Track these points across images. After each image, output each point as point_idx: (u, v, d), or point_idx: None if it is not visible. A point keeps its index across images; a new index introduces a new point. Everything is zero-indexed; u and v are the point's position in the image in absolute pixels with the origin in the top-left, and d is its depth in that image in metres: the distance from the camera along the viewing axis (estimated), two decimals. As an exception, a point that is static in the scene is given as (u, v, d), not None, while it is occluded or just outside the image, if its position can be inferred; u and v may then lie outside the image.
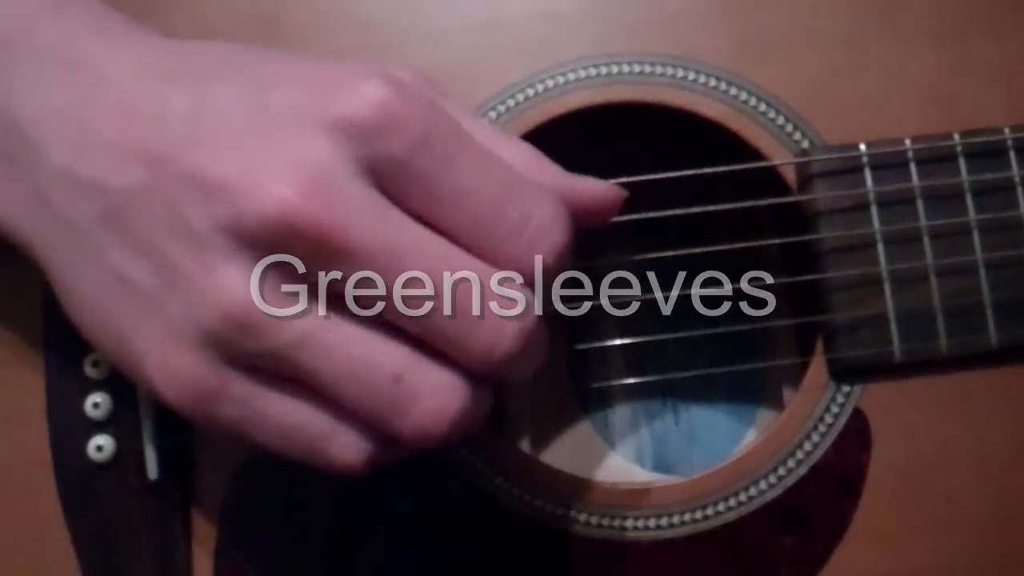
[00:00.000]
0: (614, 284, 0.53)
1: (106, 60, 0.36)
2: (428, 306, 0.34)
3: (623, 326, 0.55)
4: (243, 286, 0.33)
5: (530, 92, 0.47)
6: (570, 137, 0.48)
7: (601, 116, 0.48)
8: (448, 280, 0.34)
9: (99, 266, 0.35)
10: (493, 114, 0.47)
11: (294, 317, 0.33)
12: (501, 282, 0.34)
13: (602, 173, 0.44)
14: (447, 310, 0.34)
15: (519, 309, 0.34)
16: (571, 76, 0.47)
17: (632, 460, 0.54)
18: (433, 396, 0.34)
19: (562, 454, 0.54)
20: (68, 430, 0.45)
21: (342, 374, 0.34)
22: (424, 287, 0.33)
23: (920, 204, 0.46)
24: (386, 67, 0.36)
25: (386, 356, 0.34)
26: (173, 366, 0.34)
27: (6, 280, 0.45)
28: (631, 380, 0.55)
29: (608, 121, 0.48)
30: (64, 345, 0.45)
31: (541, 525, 0.45)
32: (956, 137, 0.46)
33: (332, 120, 0.33)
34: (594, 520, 0.46)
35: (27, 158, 0.36)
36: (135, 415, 0.45)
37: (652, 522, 0.45)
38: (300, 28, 0.47)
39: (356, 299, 0.34)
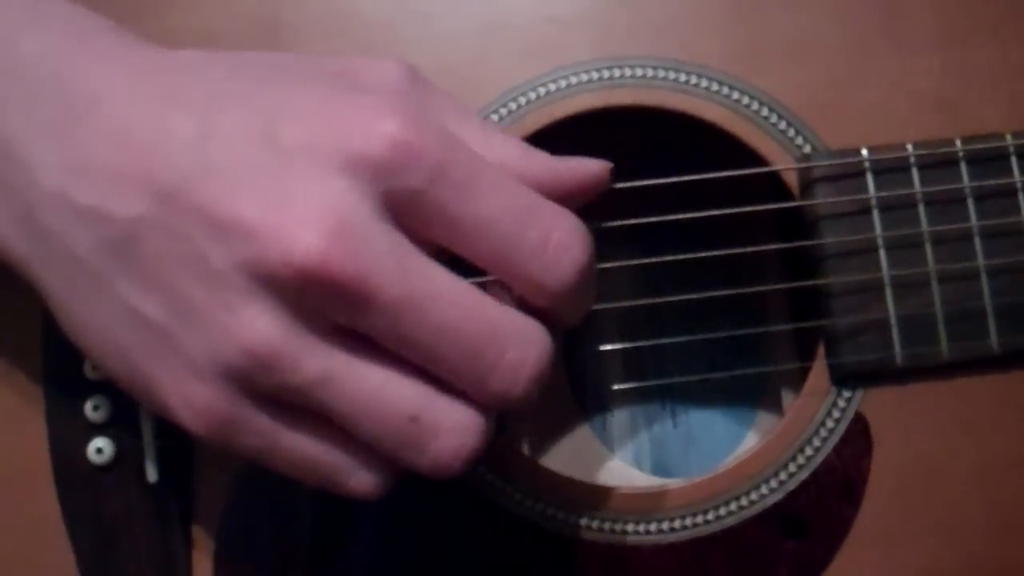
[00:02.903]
0: (613, 288, 0.54)
1: (95, 73, 0.36)
2: (446, 349, 0.34)
3: (622, 330, 0.55)
4: (264, 325, 0.33)
5: (532, 96, 0.47)
6: (571, 141, 0.47)
7: (603, 120, 0.47)
8: (467, 325, 0.34)
9: (104, 295, 0.35)
10: (495, 117, 0.47)
11: (314, 356, 0.33)
12: (518, 320, 0.35)
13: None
14: (464, 356, 0.34)
15: (535, 352, 0.35)
16: (573, 80, 0.47)
17: (631, 463, 0.54)
18: (450, 435, 0.35)
19: (561, 458, 0.54)
20: (68, 432, 0.45)
21: (361, 412, 0.34)
22: (443, 332, 0.34)
23: (922, 209, 0.46)
24: (364, 69, 0.36)
25: (404, 395, 0.34)
26: (192, 398, 0.34)
27: (6, 282, 0.45)
28: (630, 385, 0.55)
29: (610, 125, 0.48)
30: (64, 347, 0.44)
31: (541, 529, 0.45)
32: (958, 143, 0.46)
33: (349, 158, 0.33)
34: (595, 524, 0.45)
35: (17, 178, 0.35)
36: (135, 418, 0.45)
37: (653, 526, 0.45)
38: (301, 30, 0.47)
39: (375, 339, 0.34)
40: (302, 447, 0.35)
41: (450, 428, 0.35)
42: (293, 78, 0.36)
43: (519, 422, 0.54)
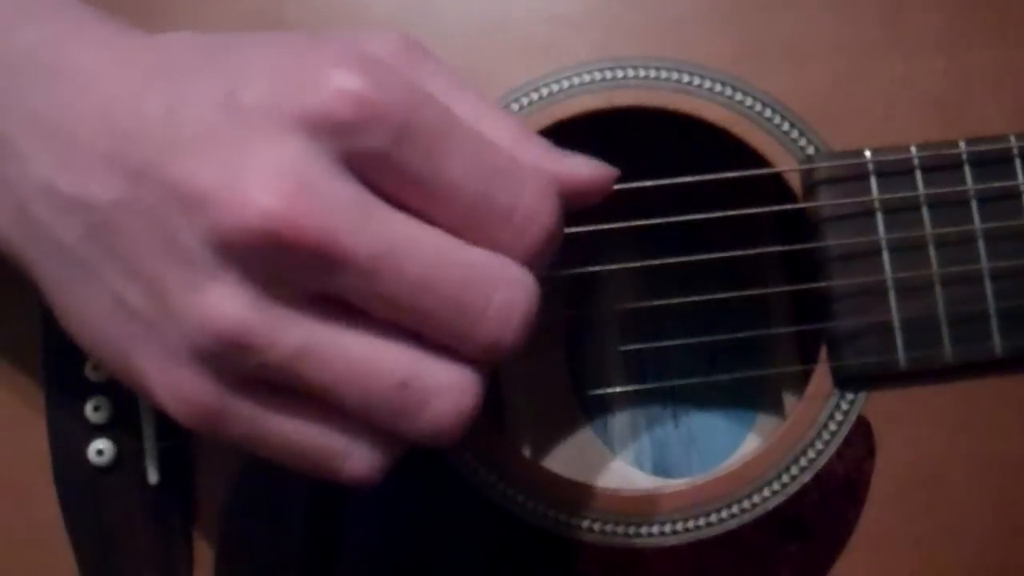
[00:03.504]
0: (616, 289, 0.54)
1: (85, 62, 0.35)
2: (429, 303, 0.32)
3: (624, 331, 0.55)
4: (232, 303, 0.32)
5: (534, 96, 0.47)
6: (573, 142, 0.47)
7: (605, 121, 0.47)
8: (448, 273, 0.33)
9: (93, 285, 0.34)
10: (497, 118, 0.47)
11: (289, 330, 0.32)
12: (501, 265, 0.33)
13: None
14: (449, 307, 0.33)
15: (522, 297, 0.33)
16: (575, 80, 0.47)
17: (632, 464, 0.54)
18: (443, 398, 0.33)
19: (562, 459, 0.54)
20: (68, 434, 0.45)
21: (346, 383, 0.33)
22: (424, 284, 0.32)
23: (925, 212, 0.46)
24: (362, 39, 0.35)
25: (389, 360, 0.33)
26: (176, 386, 0.33)
27: (6, 281, 0.45)
28: (631, 387, 0.55)
29: (612, 126, 0.48)
30: (64, 348, 0.44)
31: (542, 531, 0.45)
32: (962, 145, 0.46)
33: (304, 116, 0.32)
34: (596, 526, 0.45)
35: (10, 171, 0.35)
36: (135, 419, 0.45)
37: (655, 528, 0.45)
38: (304, 26, 0.47)
39: (352, 302, 0.33)
40: (291, 430, 0.34)
41: (443, 390, 0.33)
42: (266, 43, 0.35)
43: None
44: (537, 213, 0.34)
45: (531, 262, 0.34)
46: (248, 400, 0.34)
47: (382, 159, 0.32)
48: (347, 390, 0.33)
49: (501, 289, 0.33)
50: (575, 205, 0.37)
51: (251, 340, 0.32)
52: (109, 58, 0.35)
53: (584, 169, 0.37)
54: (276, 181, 0.31)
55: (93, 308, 0.35)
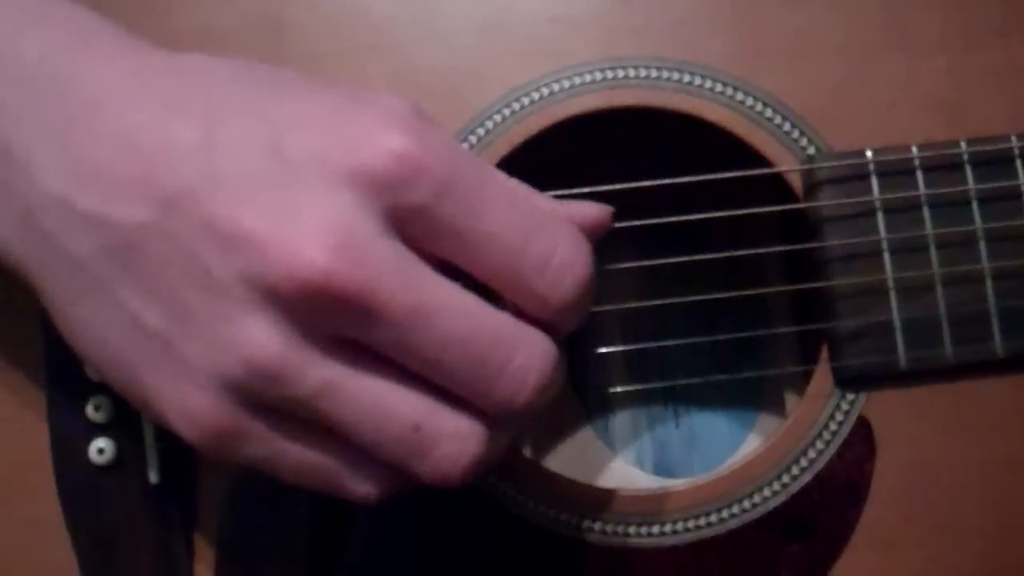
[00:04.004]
0: (617, 289, 0.53)
1: (97, 76, 0.35)
2: (453, 359, 0.34)
3: (624, 331, 0.55)
4: (266, 337, 0.33)
5: (535, 96, 0.47)
6: (575, 141, 0.48)
7: (606, 120, 0.47)
8: (473, 336, 0.34)
9: (104, 301, 0.35)
10: (498, 117, 0.47)
11: (316, 367, 0.33)
12: (523, 330, 0.35)
13: (606, 178, 0.45)
14: (471, 365, 0.34)
15: (540, 362, 0.35)
16: (576, 80, 0.47)
17: (633, 464, 0.54)
18: (452, 443, 0.35)
19: (563, 459, 0.54)
20: (69, 433, 0.45)
21: (363, 422, 0.34)
22: (451, 342, 0.34)
23: (926, 212, 0.46)
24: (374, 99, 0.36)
25: (407, 404, 0.34)
26: (191, 408, 0.34)
27: (6, 281, 0.45)
28: (633, 386, 0.55)
29: (613, 126, 0.48)
30: (65, 347, 0.44)
31: (543, 530, 0.45)
32: (963, 145, 0.46)
33: (355, 172, 0.33)
34: (597, 526, 0.45)
35: (17, 181, 0.35)
36: (137, 419, 0.45)
37: (656, 528, 0.45)
38: (304, 30, 0.47)
39: (379, 351, 0.34)
40: (301, 455, 0.35)
41: (452, 435, 0.35)
42: (296, 87, 0.36)
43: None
44: (572, 263, 0.36)
45: (567, 311, 0.36)
46: (260, 424, 0.35)
47: (424, 213, 0.34)
48: (362, 428, 0.34)
49: (522, 352, 0.35)
50: None
51: (281, 374, 0.33)
52: (124, 73, 0.35)
53: (591, 211, 0.39)
54: (326, 236, 0.32)
55: (100, 324, 0.35)
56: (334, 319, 0.33)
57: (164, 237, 0.33)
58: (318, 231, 0.32)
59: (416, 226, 0.34)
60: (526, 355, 0.35)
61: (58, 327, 0.37)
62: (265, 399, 0.34)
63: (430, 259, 0.35)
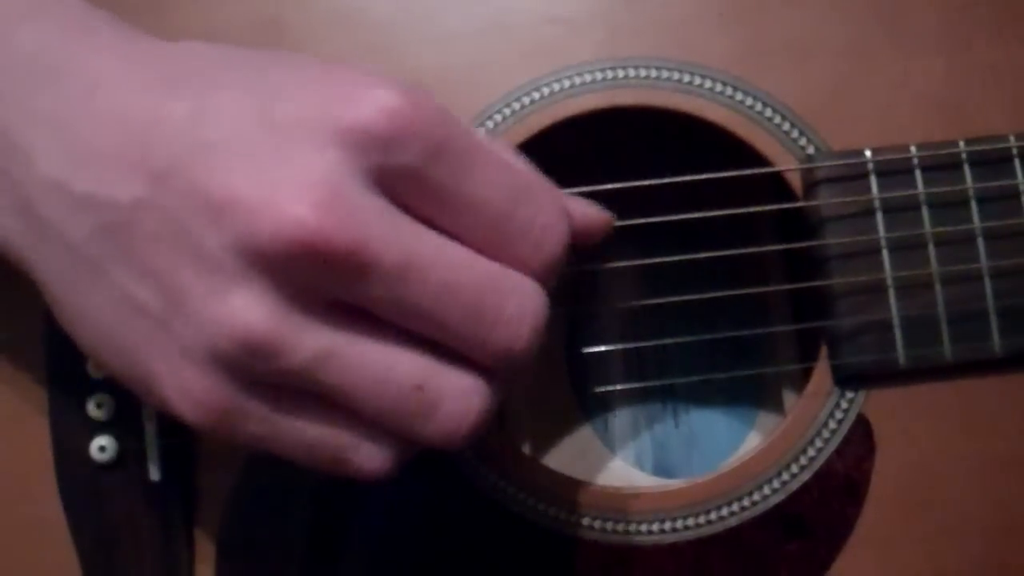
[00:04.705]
0: (617, 288, 0.54)
1: (93, 63, 0.35)
2: (448, 311, 0.34)
3: (624, 330, 0.55)
4: (257, 310, 0.32)
5: (535, 96, 0.47)
6: (575, 141, 0.48)
7: (606, 120, 0.48)
8: (467, 284, 0.34)
9: (100, 284, 0.35)
10: (499, 117, 0.47)
11: (309, 335, 0.33)
12: (514, 278, 0.35)
13: (607, 177, 0.45)
14: (467, 315, 0.34)
15: (533, 305, 0.35)
16: (576, 80, 0.47)
17: (632, 464, 0.54)
18: (456, 400, 0.34)
19: (563, 458, 0.54)
20: (71, 430, 0.45)
21: (363, 388, 0.34)
22: (445, 293, 0.33)
23: (925, 211, 0.46)
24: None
25: (406, 365, 0.34)
26: (189, 387, 0.34)
27: (8, 279, 0.45)
28: (632, 385, 0.55)
29: (613, 125, 0.48)
30: (67, 345, 0.44)
31: (542, 529, 0.45)
32: (961, 144, 0.46)
33: (343, 130, 0.33)
34: (597, 524, 0.45)
35: (15, 168, 0.35)
36: (138, 416, 0.45)
37: (655, 526, 0.45)
38: (303, 30, 0.47)
39: (372, 311, 0.34)
40: (304, 429, 0.35)
41: (456, 393, 0.34)
42: (287, 62, 0.36)
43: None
44: (553, 228, 0.36)
45: (546, 274, 0.36)
46: (260, 400, 0.34)
47: (413, 175, 0.33)
48: (363, 393, 0.34)
49: (514, 298, 0.34)
50: (580, 243, 0.39)
51: (273, 347, 0.33)
52: (120, 60, 0.35)
53: (592, 211, 0.40)
54: (311, 192, 0.32)
55: (98, 307, 0.35)
56: (324, 280, 0.32)
57: (156, 212, 0.33)
58: (304, 189, 0.32)
59: (403, 186, 0.34)
60: (519, 300, 0.34)
61: (58, 318, 0.37)
62: (262, 374, 0.33)
63: (416, 219, 0.34)
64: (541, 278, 0.36)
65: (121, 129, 0.34)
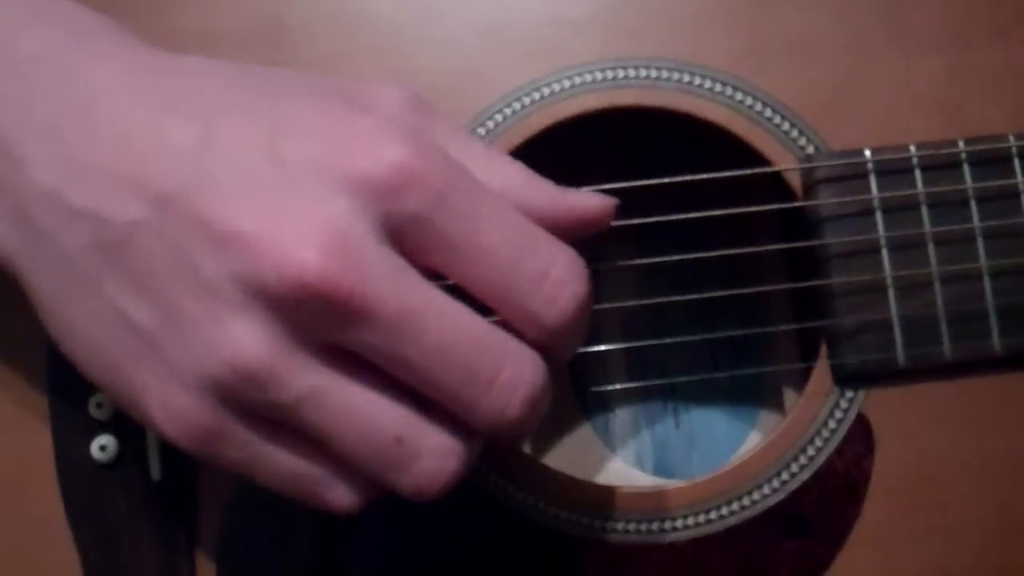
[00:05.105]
0: (617, 287, 0.54)
1: (94, 72, 0.35)
2: (441, 369, 0.33)
3: (624, 329, 0.55)
4: (253, 340, 0.32)
5: (536, 96, 0.47)
6: (575, 141, 0.48)
7: (606, 120, 0.48)
8: (463, 346, 0.33)
9: (92, 296, 0.34)
10: (499, 117, 0.47)
11: (302, 373, 0.33)
12: (514, 345, 0.34)
13: (607, 177, 0.45)
14: (459, 376, 0.33)
15: (530, 376, 0.34)
16: (577, 80, 0.47)
17: (633, 463, 0.55)
18: (432, 458, 0.34)
19: (563, 457, 0.54)
20: (71, 430, 0.45)
21: (345, 432, 0.34)
22: (440, 351, 0.33)
23: (925, 210, 0.46)
24: (371, 92, 0.36)
25: (390, 416, 0.34)
26: (175, 406, 0.34)
27: (7, 279, 0.45)
28: (632, 384, 0.55)
29: (613, 125, 0.48)
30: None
31: (542, 528, 0.45)
32: (961, 144, 0.46)
33: (351, 178, 0.33)
34: (596, 524, 0.45)
35: (10, 175, 0.35)
36: (139, 415, 0.45)
37: (655, 525, 0.45)
38: (306, 30, 0.47)
39: (367, 357, 0.34)
40: (282, 461, 0.35)
41: (433, 450, 0.34)
42: (295, 91, 0.36)
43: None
44: (567, 282, 0.35)
45: (559, 334, 0.35)
46: (244, 427, 0.34)
47: (419, 224, 0.33)
48: (344, 437, 0.34)
49: (511, 367, 0.34)
50: (580, 235, 0.38)
51: (266, 378, 0.33)
52: (123, 72, 0.35)
53: (592, 201, 0.39)
54: (319, 237, 0.32)
55: (88, 319, 0.35)
56: (323, 322, 0.33)
57: (155, 235, 0.33)
58: (311, 233, 0.32)
59: (411, 236, 0.34)
60: (516, 369, 0.34)
61: (44, 324, 0.37)
62: (249, 403, 0.33)
63: (425, 271, 0.34)
64: (554, 339, 0.35)
65: (121, 147, 0.34)
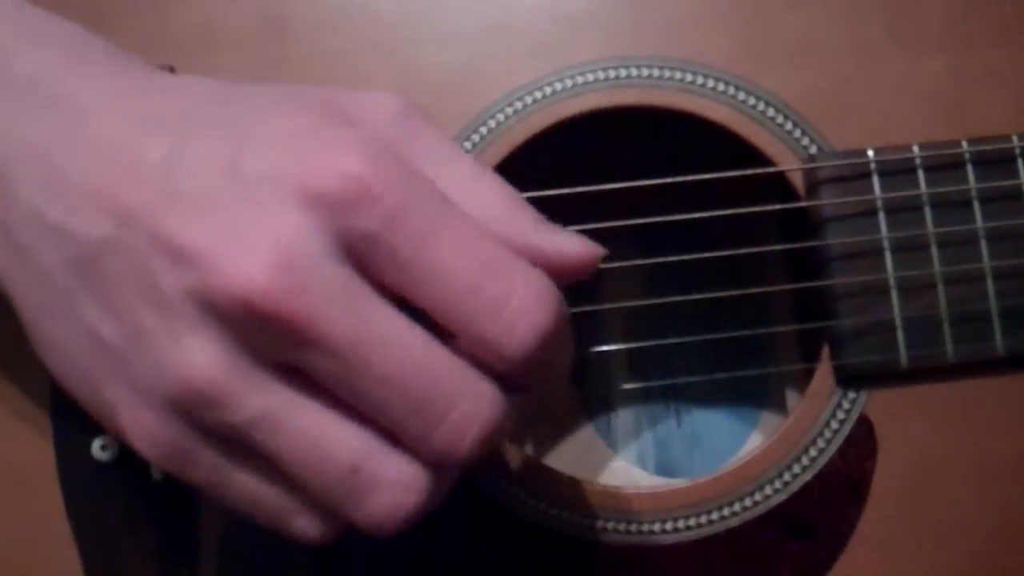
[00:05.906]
0: (619, 288, 0.54)
1: (84, 93, 0.35)
2: (390, 401, 0.32)
3: (626, 330, 0.55)
4: (204, 358, 0.32)
5: (538, 95, 0.47)
6: (577, 140, 0.48)
7: (609, 119, 0.48)
8: (414, 376, 0.32)
9: (69, 314, 0.35)
10: (501, 116, 0.47)
11: (254, 394, 0.32)
12: (471, 378, 0.33)
13: (609, 177, 0.45)
14: (410, 408, 0.32)
15: (485, 413, 0.33)
16: (579, 79, 0.47)
17: (634, 464, 0.55)
18: (390, 491, 0.33)
19: (565, 457, 0.54)
20: (73, 429, 0.45)
21: (300, 458, 0.33)
22: (389, 381, 0.32)
23: (928, 211, 0.46)
24: (360, 101, 0.35)
25: (346, 443, 0.33)
26: (143, 424, 0.33)
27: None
28: (634, 385, 0.55)
29: (616, 124, 0.48)
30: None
31: (543, 528, 0.45)
32: (964, 144, 0.46)
33: (305, 191, 0.32)
34: (598, 524, 0.45)
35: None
36: (139, 415, 0.45)
37: (657, 526, 0.45)
38: (308, 29, 0.47)
39: (319, 383, 0.33)
40: (248, 485, 0.34)
41: (391, 482, 0.33)
42: (271, 105, 0.35)
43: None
44: (528, 310, 0.33)
45: (520, 364, 0.33)
46: (211, 449, 0.34)
47: (373, 241, 0.32)
48: (298, 463, 0.33)
49: (465, 402, 0.33)
50: (558, 280, 0.35)
51: (215, 397, 0.32)
52: (110, 93, 0.35)
53: (571, 248, 0.36)
54: (267, 254, 0.31)
55: (66, 335, 0.35)
56: (272, 342, 0.32)
57: (121, 251, 0.33)
58: (260, 249, 0.31)
59: (367, 254, 0.32)
60: (471, 404, 0.33)
61: (30, 339, 0.37)
62: (207, 423, 0.33)
63: (386, 292, 0.33)
64: (518, 370, 0.33)
65: (98, 164, 0.34)
